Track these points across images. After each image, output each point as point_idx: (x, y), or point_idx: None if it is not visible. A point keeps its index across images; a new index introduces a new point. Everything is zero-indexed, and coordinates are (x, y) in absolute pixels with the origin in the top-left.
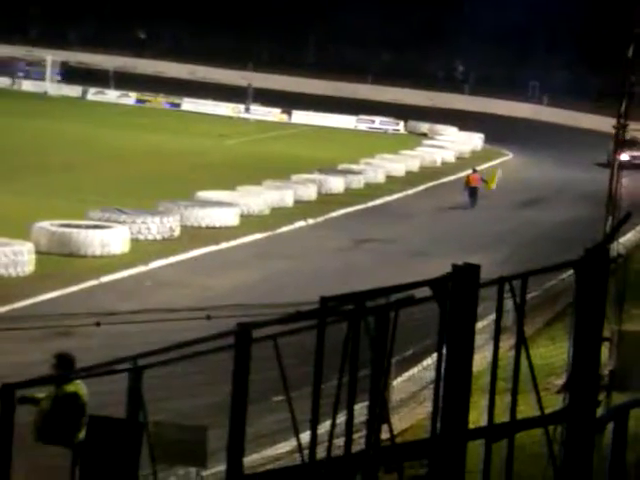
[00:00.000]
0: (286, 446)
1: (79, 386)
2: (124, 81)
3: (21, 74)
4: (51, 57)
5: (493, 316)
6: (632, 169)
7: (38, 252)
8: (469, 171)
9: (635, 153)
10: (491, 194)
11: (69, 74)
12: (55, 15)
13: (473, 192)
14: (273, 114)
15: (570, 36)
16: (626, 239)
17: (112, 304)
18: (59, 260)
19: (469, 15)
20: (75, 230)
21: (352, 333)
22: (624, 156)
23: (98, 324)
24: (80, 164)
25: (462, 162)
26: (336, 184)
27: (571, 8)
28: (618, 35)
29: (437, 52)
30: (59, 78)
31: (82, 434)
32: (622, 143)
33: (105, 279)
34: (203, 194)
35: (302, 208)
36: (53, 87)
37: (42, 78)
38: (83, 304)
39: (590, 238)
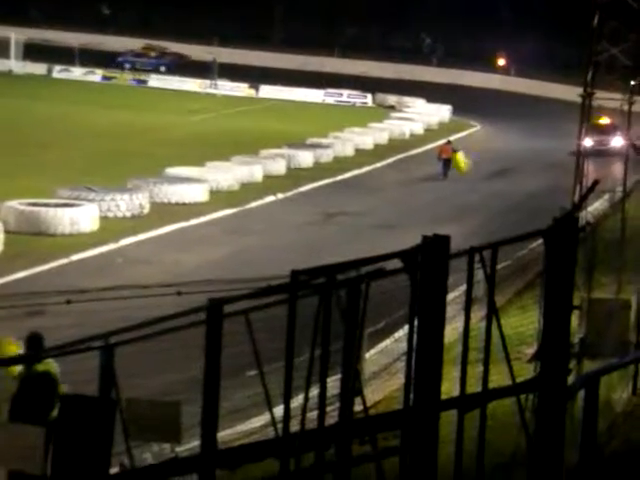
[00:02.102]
0: (260, 420)
1: (50, 365)
2: (89, 58)
3: None
4: (14, 35)
5: (464, 287)
6: (596, 156)
7: (7, 231)
8: (440, 142)
9: (599, 137)
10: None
11: (34, 51)
12: None
13: (446, 163)
14: (240, 89)
15: (537, 6)
16: (594, 208)
17: (82, 282)
18: (28, 239)
19: None
20: (44, 209)
21: (323, 306)
22: (587, 142)
23: (69, 302)
24: (47, 142)
25: (430, 134)
26: (305, 158)
27: None
28: (584, 4)
29: (403, 25)
30: (163, 69)
31: (55, 412)
32: (588, 127)
33: (75, 257)
34: (172, 170)
35: (271, 183)
36: (18, 65)
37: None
38: (53, 283)
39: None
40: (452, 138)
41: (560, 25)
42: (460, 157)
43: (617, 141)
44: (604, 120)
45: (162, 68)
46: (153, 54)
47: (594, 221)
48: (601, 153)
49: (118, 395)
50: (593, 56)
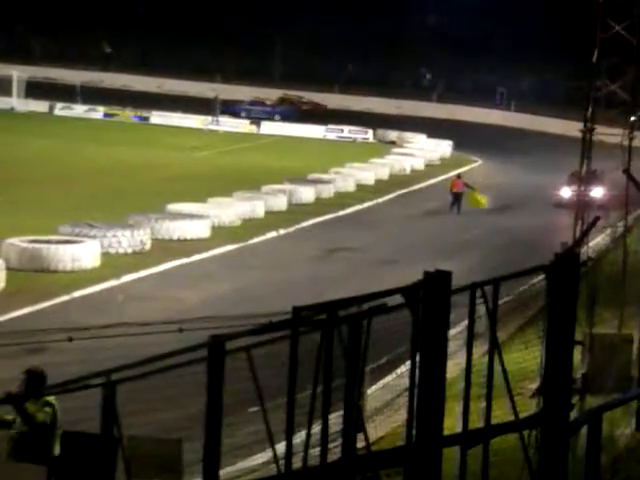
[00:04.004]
0: (262, 457)
1: (53, 402)
2: (91, 95)
3: None
4: (17, 73)
5: (466, 322)
6: (571, 208)
7: (8, 269)
8: (450, 175)
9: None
10: (465, 199)
11: (36, 89)
12: (20, 29)
13: (457, 198)
14: (242, 125)
15: (535, 42)
16: (595, 243)
17: (84, 319)
18: (30, 276)
19: (433, 24)
20: (45, 246)
21: (325, 342)
22: (565, 191)
23: (70, 339)
24: (49, 179)
25: (432, 169)
26: (306, 194)
27: (535, 14)
28: (584, 40)
29: (402, 61)
30: (278, 118)
31: (57, 450)
32: (569, 177)
33: (77, 294)
34: (174, 206)
35: (273, 219)
36: (20, 103)
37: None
38: (55, 320)
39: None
40: (458, 172)
41: (559, 60)
42: (477, 196)
43: (597, 192)
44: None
45: (277, 117)
46: (269, 102)
47: (595, 256)
48: (581, 205)
49: (120, 432)
50: (592, 92)
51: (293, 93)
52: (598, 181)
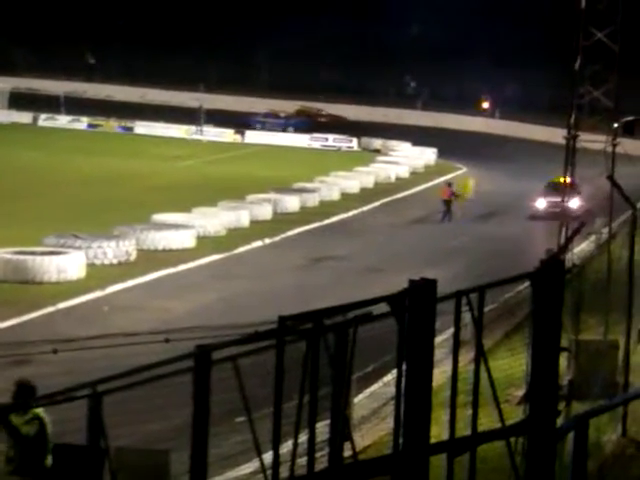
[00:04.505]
0: (249, 467)
1: (41, 414)
2: (75, 106)
3: None
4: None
5: (451, 330)
6: (547, 219)
7: None
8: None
9: (555, 199)
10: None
11: (20, 100)
12: (2, 41)
13: (446, 204)
14: (226, 134)
15: (519, 49)
16: (580, 249)
17: (70, 330)
18: (15, 288)
19: (417, 33)
20: (30, 257)
21: (311, 351)
22: (540, 202)
23: (55, 351)
24: (34, 190)
25: (416, 177)
26: (291, 203)
27: (518, 22)
28: (567, 48)
29: (386, 69)
30: (291, 130)
31: (48, 461)
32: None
33: (62, 305)
34: (159, 217)
35: (258, 228)
36: (3, 114)
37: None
38: (40, 331)
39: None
40: (440, 180)
41: (542, 67)
42: (470, 183)
43: (574, 203)
44: (563, 179)
45: (290, 129)
46: (283, 115)
47: (580, 262)
48: (557, 216)
49: (107, 443)
50: (576, 99)
51: (311, 105)
52: (575, 192)
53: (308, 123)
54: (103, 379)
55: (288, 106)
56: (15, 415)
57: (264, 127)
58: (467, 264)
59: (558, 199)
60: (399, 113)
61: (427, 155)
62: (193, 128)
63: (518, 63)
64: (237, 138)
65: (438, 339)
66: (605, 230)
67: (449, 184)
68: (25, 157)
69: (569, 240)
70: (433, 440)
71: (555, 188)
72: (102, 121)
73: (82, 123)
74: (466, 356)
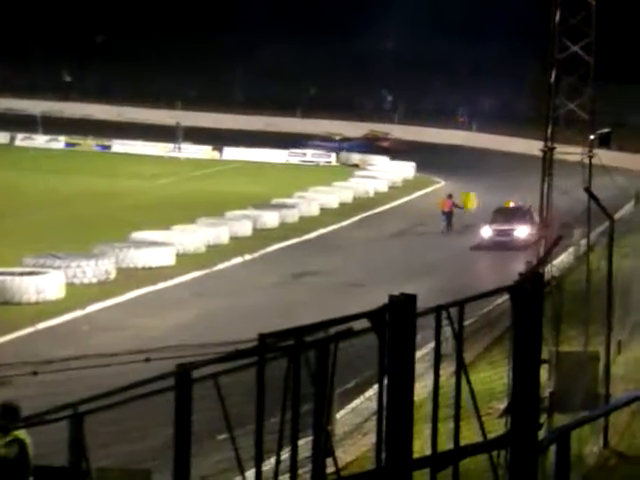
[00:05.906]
0: None
1: (21, 436)
2: (52, 125)
3: None
4: None
5: (432, 344)
6: (491, 249)
7: None
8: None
9: (501, 227)
10: (429, 220)
11: None
12: None
13: (447, 217)
14: (204, 151)
15: (495, 62)
16: (559, 261)
17: (50, 351)
18: None
19: (392, 47)
20: (9, 277)
21: (292, 368)
22: (486, 231)
23: (35, 373)
24: (12, 210)
25: (395, 191)
26: (271, 219)
27: (493, 35)
28: (542, 60)
29: (363, 84)
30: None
31: None
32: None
33: (41, 326)
34: (138, 235)
35: (238, 244)
36: None
37: None
38: (20, 352)
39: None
40: (417, 195)
41: (518, 79)
42: (472, 197)
43: (522, 231)
44: (511, 204)
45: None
46: (337, 138)
47: (559, 274)
48: (504, 245)
49: (88, 464)
50: (551, 111)
51: (380, 129)
52: (524, 218)
53: (367, 146)
54: (84, 400)
55: (257, 122)
56: None
57: (317, 149)
58: (446, 278)
59: (505, 227)
60: (376, 127)
61: (405, 169)
62: (171, 146)
63: (495, 75)
64: (215, 155)
65: (419, 353)
66: (583, 242)
67: (450, 196)
68: (2, 177)
69: (547, 253)
70: (416, 455)
71: (503, 214)
72: (80, 140)
73: (60, 142)
74: (447, 370)
